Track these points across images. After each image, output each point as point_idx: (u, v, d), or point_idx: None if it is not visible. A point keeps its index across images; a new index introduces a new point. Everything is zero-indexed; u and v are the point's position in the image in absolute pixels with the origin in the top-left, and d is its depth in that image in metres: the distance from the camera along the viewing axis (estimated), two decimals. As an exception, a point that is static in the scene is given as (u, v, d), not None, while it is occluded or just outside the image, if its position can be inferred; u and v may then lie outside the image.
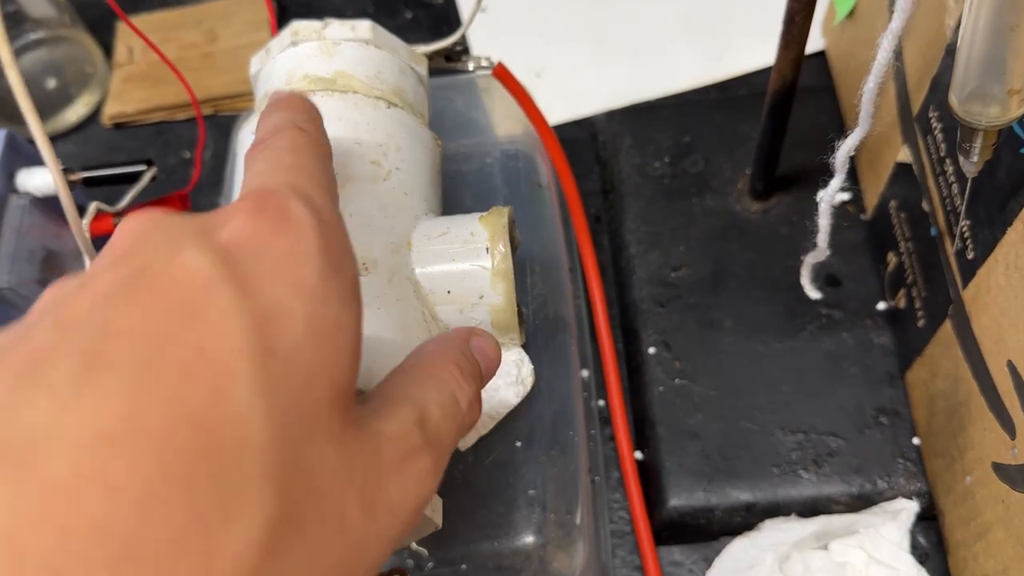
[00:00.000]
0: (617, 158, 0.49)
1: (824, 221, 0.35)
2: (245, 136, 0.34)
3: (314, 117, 0.25)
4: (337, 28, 0.34)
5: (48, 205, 0.43)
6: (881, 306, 0.42)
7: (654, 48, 0.54)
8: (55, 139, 0.55)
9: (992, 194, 0.30)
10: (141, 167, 0.43)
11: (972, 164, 0.27)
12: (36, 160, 0.44)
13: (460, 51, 0.39)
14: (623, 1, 0.56)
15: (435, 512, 0.29)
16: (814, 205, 0.44)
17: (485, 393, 0.32)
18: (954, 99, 0.25)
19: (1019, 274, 0.29)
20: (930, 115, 0.35)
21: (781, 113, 0.39)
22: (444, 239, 0.31)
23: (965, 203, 0.32)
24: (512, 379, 0.32)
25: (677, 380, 0.42)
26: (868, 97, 0.27)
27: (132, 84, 0.56)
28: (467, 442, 0.32)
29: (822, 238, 0.36)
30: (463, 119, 0.44)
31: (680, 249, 0.45)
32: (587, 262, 0.43)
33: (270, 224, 0.19)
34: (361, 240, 0.30)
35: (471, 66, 0.39)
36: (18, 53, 0.56)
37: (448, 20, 0.57)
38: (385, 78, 0.34)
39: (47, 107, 0.55)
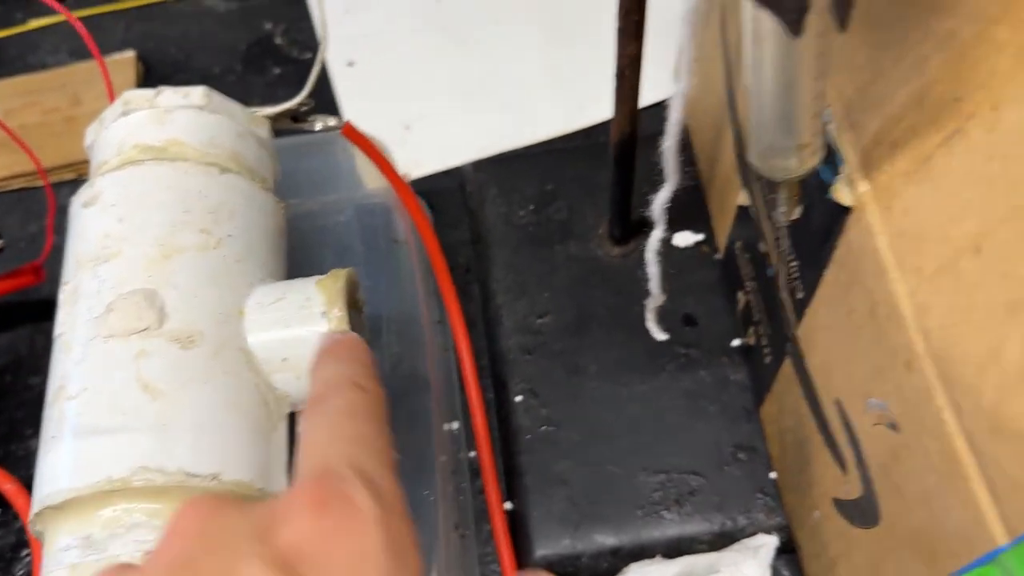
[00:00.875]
0: (484, 208, 0.49)
1: (653, 269, 0.36)
2: (76, 209, 0.33)
3: (370, 369, 0.25)
4: (169, 95, 0.34)
5: None
6: (736, 343, 0.43)
7: (519, 98, 0.54)
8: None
9: (809, 236, 0.31)
10: (-17, 240, 0.41)
11: (780, 214, 0.28)
12: None
13: (307, 111, 0.39)
14: (489, 53, 0.57)
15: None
16: (669, 247, 0.46)
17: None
18: (752, 155, 0.26)
19: (839, 314, 0.30)
20: (759, 160, 0.36)
21: (626, 162, 0.40)
22: (279, 306, 0.31)
23: (790, 244, 0.33)
24: (356, 442, 0.32)
25: (544, 427, 0.42)
26: (668, 155, 0.28)
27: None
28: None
29: (654, 285, 0.37)
30: (323, 177, 0.44)
31: (545, 296, 0.45)
32: (452, 314, 0.43)
33: (334, 523, 0.18)
34: (185, 313, 0.29)
35: (318, 126, 0.39)
36: None
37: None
38: (220, 143, 0.34)
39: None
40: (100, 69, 0.57)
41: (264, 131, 0.36)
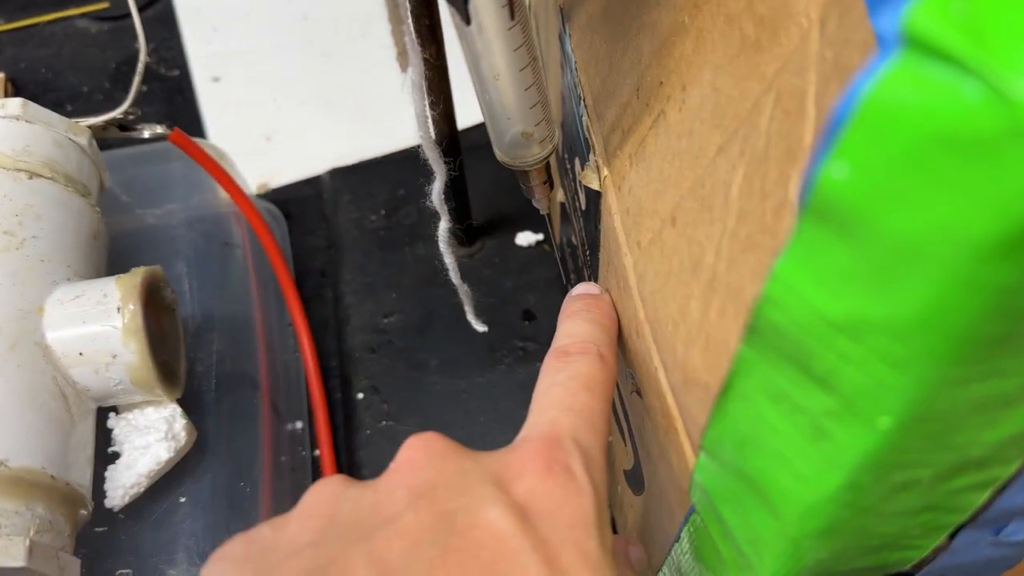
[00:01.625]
0: (337, 214, 0.50)
1: (448, 260, 0.37)
2: None
3: (614, 341, 0.26)
4: (-16, 106, 0.35)
5: None
6: (569, 335, 0.44)
7: (378, 108, 0.56)
8: None
9: (587, 223, 0.33)
10: None
11: (539, 202, 0.30)
12: None
13: (134, 120, 0.40)
14: (352, 67, 0.58)
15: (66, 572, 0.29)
16: (514, 247, 0.48)
17: (136, 452, 0.32)
18: (497, 150, 0.28)
19: (612, 293, 0.32)
20: (564, 155, 0.38)
21: (452, 165, 0.42)
22: (77, 302, 0.32)
23: (582, 233, 0.35)
24: (163, 435, 0.33)
25: (384, 422, 0.43)
26: (425, 145, 0.30)
27: None
28: (118, 503, 0.33)
29: (453, 275, 0.38)
30: (160, 185, 0.45)
31: (392, 296, 0.47)
32: (295, 316, 0.44)
33: (560, 487, 0.20)
34: (-18, 309, 0.30)
35: (146, 134, 0.40)
36: None
37: (182, 91, 0.58)
38: (34, 151, 0.35)
39: None
40: (-34, 89, 0.58)
41: (84, 139, 0.37)
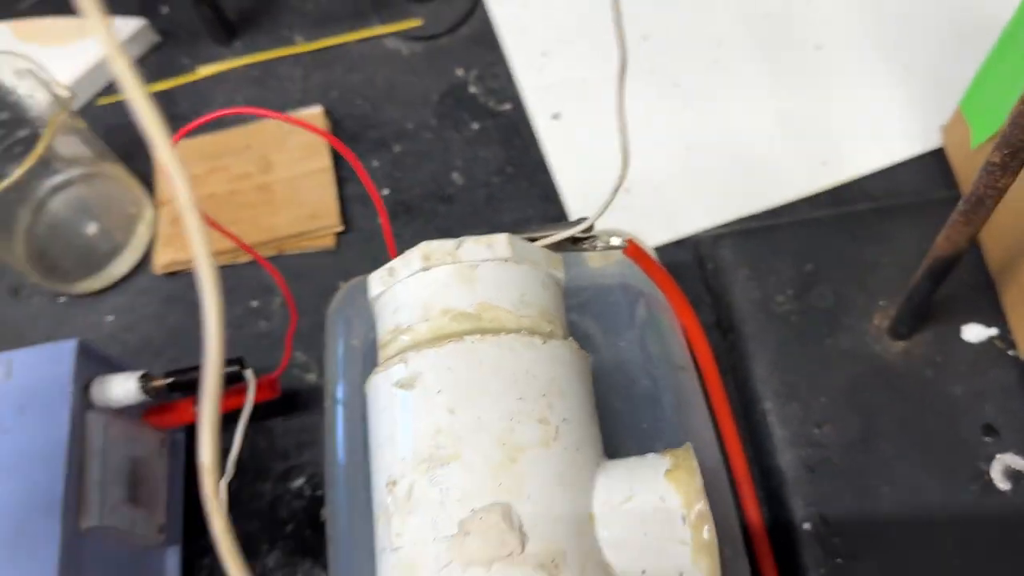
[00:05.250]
0: (733, 292, 0.45)
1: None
2: (388, 389, 0.29)
3: None
4: (472, 247, 0.30)
5: (125, 409, 0.39)
6: (1055, 463, 0.38)
7: (750, 153, 0.50)
8: (103, 292, 0.51)
9: None
10: (235, 368, 0.38)
11: None
12: (107, 362, 0.39)
13: (587, 233, 0.35)
14: (708, 100, 0.52)
15: None
16: (958, 342, 0.41)
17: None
18: None
19: None
20: None
21: (943, 276, 0.35)
22: (630, 508, 0.27)
23: None
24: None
25: (839, 560, 0.38)
26: None
27: (183, 226, 0.52)
28: None
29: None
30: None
31: (822, 401, 0.41)
32: (728, 439, 0.39)
33: None
34: (543, 529, 0.26)
35: (599, 246, 0.35)
36: (49, 197, 0.51)
37: (518, 130, 0.52)
38: (530, 301, 0.30)
39: (91, 259, 0.51)
40: (286, 127, 0.54)
41: (561, 272, 0.32)
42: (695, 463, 0.28)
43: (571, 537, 0.26)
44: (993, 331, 0.41)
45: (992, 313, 0.42)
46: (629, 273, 0.41)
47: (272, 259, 0.50)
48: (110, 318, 0.50)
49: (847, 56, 0.52)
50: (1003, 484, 0.38)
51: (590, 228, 0.35)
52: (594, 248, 0.35)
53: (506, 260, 0.30)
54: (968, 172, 0.45)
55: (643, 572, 0.27)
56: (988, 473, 0.39)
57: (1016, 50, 0.39)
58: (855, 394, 0.41)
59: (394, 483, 0.28)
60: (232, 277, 0.50)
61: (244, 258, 0.50)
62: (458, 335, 0.29)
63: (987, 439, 0.39)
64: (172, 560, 0.41)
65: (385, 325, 0.31)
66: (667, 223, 0.48)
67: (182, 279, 0.51)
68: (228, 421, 0.44)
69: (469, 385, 0.28)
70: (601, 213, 0.34)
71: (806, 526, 0.39)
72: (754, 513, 0.39)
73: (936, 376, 0.41)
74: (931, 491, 0.39)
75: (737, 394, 0.43)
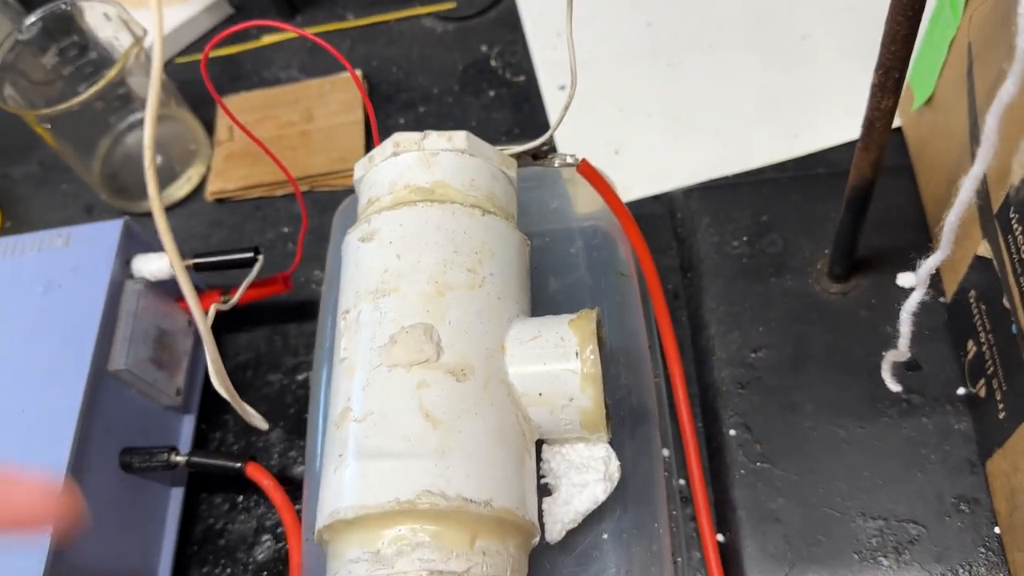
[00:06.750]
0: (695, 236, 0.50)
1: (906, 328, 0.36)
2: (353, 243, 0.36)
3: None
4: (435, 139, 0.37)
5: (159, 287, 0.47)
6: (961, 391, 0.42)
7: (731, 125, 0.55)
8: (163, 214, 0.59)
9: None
10: (248, 254, 0.46)
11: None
12: (148, 245, 0.47)
13: (547, 150, 0.41)
14: (700, 79, 0.57)
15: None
16: (893, 288, 0.45)
17: (573, 488, 0.34)
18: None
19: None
20: (1011, 216, 0.35)
21: (860, 207, 0.40)
22: (536, 343, 0.33)
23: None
24: (600, 475, 0.34)
25: (758, 463, 0.42)
26: (949, 228, 0.28)
27: (233, 162, 0.60)
28: (555, 537, 0.34)
29: (903, 342, 0.37)
30: (546, 205, 0.46)
31: (760, 330, 0.46)
32: (667, 343, 0.45)
33: None
34: (458, 347, 0.32)
35: (556, 163, 0.41)
36: (127, 132, 0.60)
37: (529, 98, 0.59)
38: (479, 185, 0.36)
39: (156, 184, 0.59)
40: (329, 86, 0.62)
41: (513, 171, 0.39)
42: (595, 316, 0.34)
43: (481, 359, 0.32)
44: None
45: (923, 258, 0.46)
46: (604, 218, 0.47)
47: (305, 194, 0.58)
48: (164, 235, 0.58)
49: (827, 44, 0.57)
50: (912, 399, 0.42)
51: (550, 144, 0.41)
52: (552, 164, 0.42)
53: (462, 152, 0.37)
54: (913, 134, 0.49)
55: (540, 394, 0.33)
56: (907, 400, 0.43)
57: (938, 17, 0.43)
58: (791, 325, 0.46)
59: (347, 312, 0.34)
60: (269, 207, 0.58)
61: (280, 191, 0.58)
62: (412, 202, 0.35)
63: (909, 372, 0.43)
64: (187, 427, 0.49)
65: (363, 200, 0.38)
66: (649, 181, 0.54)
67: (226, 207, 0.59)
68: (255, 310, 0.52)
69: (415, 237, 0.34)
70: (555, 128, 0.40)
71: (732, 432, 0.43)
72: (686, 415, 0.44)
73: (869, 316, 0.45)
74: (851, 410, 0.43)
75: (688, 323, 0.48)
